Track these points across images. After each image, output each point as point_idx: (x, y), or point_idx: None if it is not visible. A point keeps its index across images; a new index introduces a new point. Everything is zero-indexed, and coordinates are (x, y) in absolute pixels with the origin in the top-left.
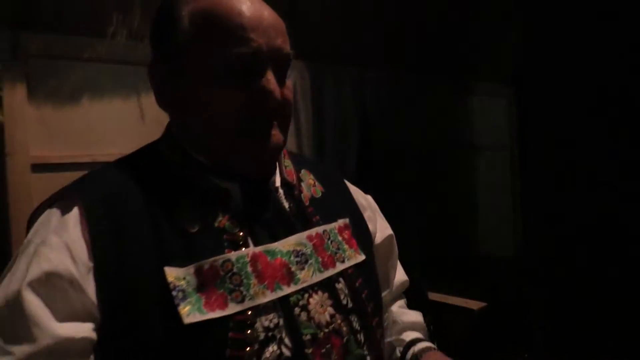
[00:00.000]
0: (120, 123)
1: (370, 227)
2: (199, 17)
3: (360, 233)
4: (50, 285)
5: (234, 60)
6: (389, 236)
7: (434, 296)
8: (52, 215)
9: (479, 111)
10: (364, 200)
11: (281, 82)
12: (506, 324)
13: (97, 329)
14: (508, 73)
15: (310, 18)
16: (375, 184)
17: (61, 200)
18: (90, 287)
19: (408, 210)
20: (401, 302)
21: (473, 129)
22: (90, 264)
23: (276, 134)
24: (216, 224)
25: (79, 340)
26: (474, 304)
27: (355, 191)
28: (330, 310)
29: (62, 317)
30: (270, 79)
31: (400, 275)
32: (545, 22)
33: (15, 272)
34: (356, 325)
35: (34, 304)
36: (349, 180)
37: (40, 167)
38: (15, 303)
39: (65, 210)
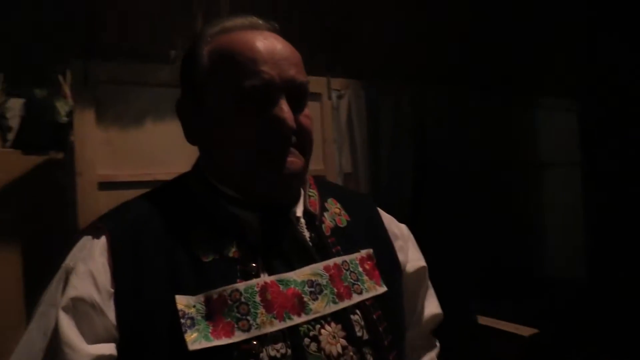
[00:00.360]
0: (180, 144)
1: (401, 257)
2: (215, 54)
3: (387, 263)
4: (77, 309)
5: (247, 93)
6: (421, 268)
7: (484, 320)
8: (84, 243)
9: (546, 127)
10: (397, 230)
11: (297, 109)
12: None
13: (117, 348)
14: (574, 86)
15: (366, 37)
16: (433, 204)
17: (93, 230)
18: (110, 311)
19: (468, 231)
20: (432, 355)
21: (539, 145)
22: (112, 290)
23: (293, 161)
24: (230, 254)
25: (107, 357)
26: (525, 330)
27: (388, 220)
28: (343, 342)
29: (89, 339)
30: (283, 107)
31: (432, 309)
32: (609, 32)
33: (49, 297)
34: (370, 358)
35: (67, 327)
36: (404, 201)
37: (106, 185)
38: (50, 320)
39: (94, 239)
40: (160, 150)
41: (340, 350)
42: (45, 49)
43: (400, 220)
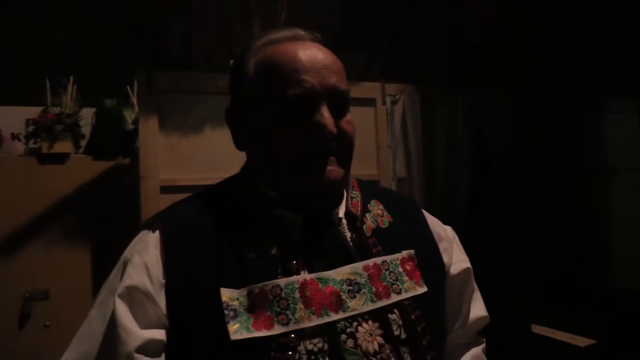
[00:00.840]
0: (237, 150)
1: (445, 258)
2: (260, 64)
3: (429, 265)
4: (131, 297)
5: (290, 101)
6: (466, 269)
7: (538, 329)
8: (140, 237)
9: (612, 130)
10: (442, 231)
11: (339, 116)
12: None
13: (167, 335)
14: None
15: (420, 41)
16: (490, 210)
17: (149, 226)
18: (162, 300)
19: (526, 239)
20: (477, 351)
21: (606, 150)
22: (163, 281)
23: (333, 170)
24: (273, 252)
25: (157, 341)
26: (582, 341)
27: (433, 222)
28: (380, 339)
29: (142, 324)
30: (323, 113)
31: (478, 311)
32: None
33: (108, 286)
34: (407, 357)
35: (122, 312)
36: (459, 207)
37: (168, 189)
38: (109, 305)
39: (149, 234)
40: (219, 155)
41: (377, 347)
42: (114, 61)
43: (455, 226)
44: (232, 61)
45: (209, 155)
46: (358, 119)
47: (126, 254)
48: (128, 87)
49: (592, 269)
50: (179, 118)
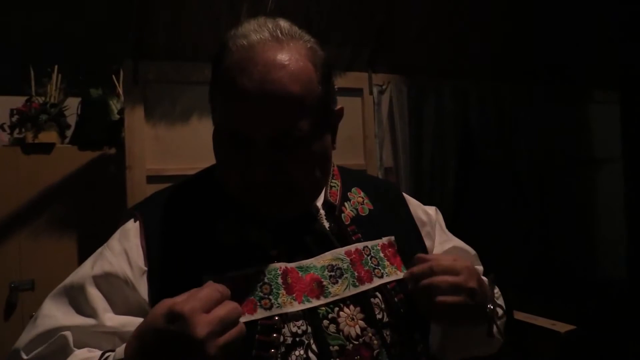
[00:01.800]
0: None
1: (428, 243)
2: (220, 76)
3: (411, 250)
4: (109, 283)
5: (227, 129)
6: (449, 248)
7: (519, 315)
8: (121, 227)
9: (593, 121)
10: (424, 216)
11: (288, 154)
12: (598, 351)
13: None
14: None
15: (408, 31)
16: (476, 200)
17: (129, 215)
18: (143, 287)
19: (510, 227)
20: None
21: (591, 140)
22: (145, 268)
23: (280, 200)
24: (253, 240)
25: (125, 332)
26: (562, 327)
27: (415, 206)
28: (362, 323)
29: (120, 311)
30: (261, 154)
31: None
32: None
33: (84, 267)
34: (389, 339)
35: (94, 295)
36: (446, 196)
37: (154, 179)
38: (81, 289)
39: (129, 224)
40: (205, 145)
41: (358, 331)
42: (99, 51)
43: (442, 215)
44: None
45: (195, 145)
46: (345, 109)
47: (105, 244)
48: (114, 77)
49: (574, 256)
50: (165, 108)
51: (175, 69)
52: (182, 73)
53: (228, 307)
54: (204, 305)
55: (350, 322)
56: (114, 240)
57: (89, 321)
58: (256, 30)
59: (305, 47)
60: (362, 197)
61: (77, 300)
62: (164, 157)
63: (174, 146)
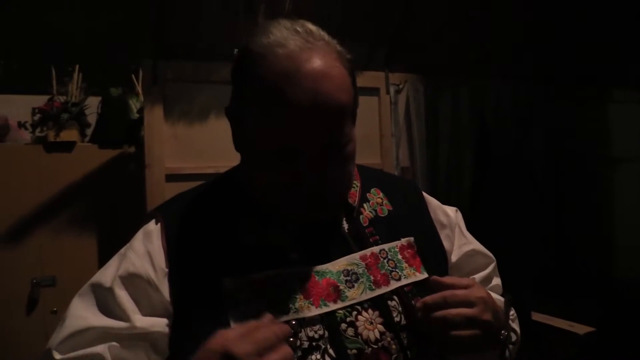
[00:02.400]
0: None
1: (447, 245)
2: (256, 87)
3: (430, 251)
4: (134, 284)
5: (270, 142)
6: (468, 252)
7: (537, 317)
8: (144, 229)
9: (617, 120)
10: (444, 217)
11: (331, 157)
12: (617, 353)
13: (171, 324)
14: None
15: (425, 30)
16: (493, 199)
17: (151, 217)
18: (165, 288)
19: (528, 227)
20: None
21: (610, 139)
22: (166, 270)
23: (317, 215)
24: (273, 243)
25: (154, 332)
26: (580, 328)
27: (435, 207)
28: (381, 327)
29: (146, 312)
30: (311, 163)
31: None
32: None
33: (109, 267)
34: (406, 342)
35: (122, 296)
36: (463, 196)
37: (173, 177)
38: (108, 290)
39: (152, 225)
40: (223, 144)
41: (377, 335)
42: (119, 50)
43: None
44: (236, 50)
45: (213, 144)
46: (362, 108)
47: (129, 243)
48: (133, 76)
49: (592, 257)
50: (184, 107)
51: (193, 68)
52: (200, 72)
53: (282, 354)
54: (260, 348)
55: (369, 325)
56: (138, 242)
57: (120, 323)
58: (289, 37)
59: (335, 51)
60: (382, 198)
61: (105, 301)
62: (182, 156)
63: (192, 145)
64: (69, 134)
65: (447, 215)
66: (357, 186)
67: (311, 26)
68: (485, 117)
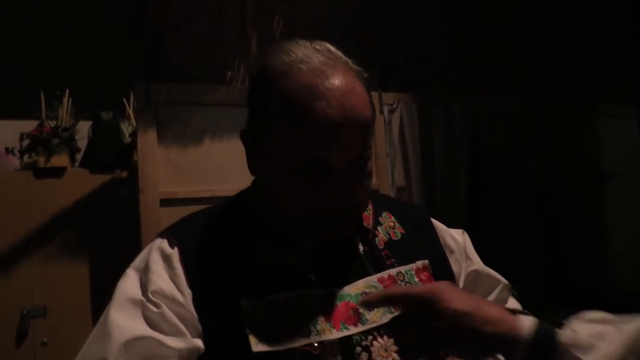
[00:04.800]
0: (237, 161)
1: (455, 269)
2: (281, 98)
3: (442, 276)
4: (161, 305)
5: (298, 161)
6: (470, 273)
7: None
8: (157, 250)
9: (607, 135)
10: (452, 242)
11: (357, 171)
12: None
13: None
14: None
15: (416, 48)
16: (489, 216)
17: (165, 239)
18: (193, 310)
19: (527, 243)
20: None
21: (601, 154)
22: (190, 292)
23: (343, 230)
24: (291, 264)
25: (193, 349)
26: None
27: (443, 232)
28: (395, 356)
29: (173, 332)
30: (339, 179)
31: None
32: None
33: (128, 286)
34: None
35: (167, 312)
36: (459, 214)
37: (167, 202)
38: (137, 308)
39: (167, 247)
40: (218, 167)
41: None
42: (110, 74)
43: None
44: (229, 73)
45: (207, 167)
46: None
47: (139, 263)
48: (125, 100)
49: (587, 271)
50: (178, 130)
51: (186, 90)
52: (194, 95)
53: None
54: None
55: (384, 352)
56: (157, 265)
57: (174, 339)
58: (311, 55)
59: (354, 70)
60: (393, 222)
61: (149, 316)
62: (176, 180)
63: (187, 169)
64: (60, 160)
65: (455, 240)
66: (369, 209)
67: (329, 45)
68: (479, 134)
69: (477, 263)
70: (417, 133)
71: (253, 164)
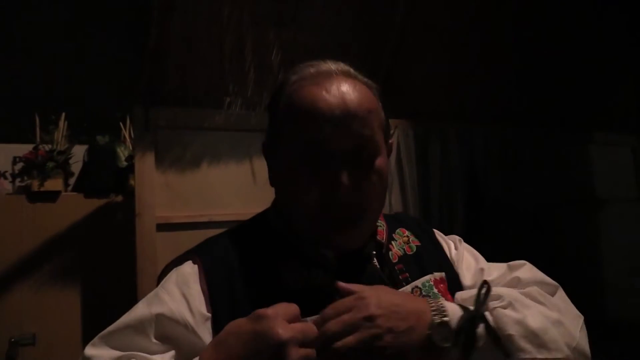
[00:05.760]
0: (235, 185)
1: (463, 280)
2: (287, 104)
3: (455, 287)
4: (170, 327)
5: (305, 150)
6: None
7: None
8: (177, 272)
9: (602, 163)
10: (455, 255)
11: (363, 166)
12: None
13: None
14: (631, 121)
15: (413, 77)
16: (485, 243)
17: (185, 261)
18: (204, 333)
19: None
20: None
21: (595, 181)
22: (208, 314)
23: (345, 236)
24: (315, 285)
25: None
26: None
27: (446, 246)
28: None
29: (180, 355)
30: (341, 167)
31: None
32: None
33: (136, 308)
34: None
35: (158, 335)
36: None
37: (164, 227)
38: (142, 330)
39: (187, 268)
40: (216, 192)
41: None
42: (106, 98)
43: None
44: (227, 98)
45: (206, 192)
46: None
47: (158, 289)
48: (121, 124)
49: (583, 298)
50: (176, 154)
51: (185, 115)
52: (193, 119)
53: (306, 324)
54: (286, 314)
55: None
56: (171, 285)
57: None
58: (321, 62)
59: (363, 81)
60: (408, 236)
61: (142, 337)
62: (173, 205)
63: (184, 193)
64: (54, 183)
65: (458, 253)
66: (383, 225)
67: (340, 63)
68: (475, 161)
69: (465, 275)
70: (414, 159)
71: (271, 171)
